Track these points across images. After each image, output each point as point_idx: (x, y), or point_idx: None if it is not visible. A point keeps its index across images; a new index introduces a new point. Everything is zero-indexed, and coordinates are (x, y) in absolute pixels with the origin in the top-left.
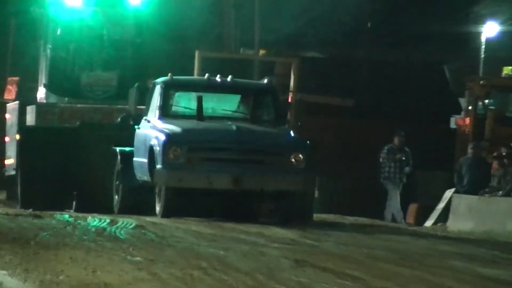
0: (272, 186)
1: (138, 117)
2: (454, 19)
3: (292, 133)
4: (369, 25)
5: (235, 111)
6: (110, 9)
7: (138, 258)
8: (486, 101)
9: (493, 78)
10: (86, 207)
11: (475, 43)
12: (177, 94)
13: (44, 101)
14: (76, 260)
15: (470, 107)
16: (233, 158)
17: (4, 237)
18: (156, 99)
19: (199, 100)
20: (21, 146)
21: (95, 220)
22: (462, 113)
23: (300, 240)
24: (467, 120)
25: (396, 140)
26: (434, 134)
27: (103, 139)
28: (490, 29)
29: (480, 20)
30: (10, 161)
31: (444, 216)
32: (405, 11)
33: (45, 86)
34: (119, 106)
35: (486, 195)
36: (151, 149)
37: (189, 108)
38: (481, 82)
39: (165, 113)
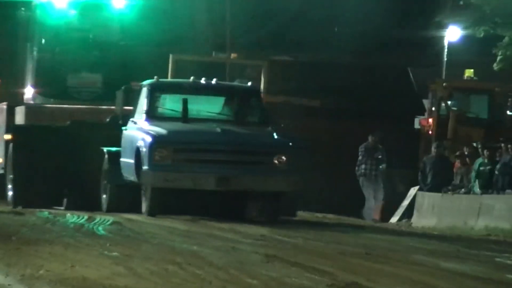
0: (256, 187)
1: (125, 118)
2: (418, 24)
3: (275, 135)
4: (336, 29)
5: (220, 113)
6: (96, 13)
7: (115, 253)
8: (449, 102)
9: (455, 80)
10: (76, 205)
11: (438, 48)
12: (163, 96)
13: (31, 102)
14: (55, 255)
15: (433, 108)
16: (218, 159)
17: None
18: (142, 101)
19: (185, 102)
20: (13, 145)
21: (73, 217)
22: (426, 114)
23: (270, 236)
24: (431, 121)
25: (370, 139)
26: (399, 134)
27: (93, 138)
28: (452, 34)
29: (443, 25)
30: None
31: (408, 212)
32: (372, 17)
33: (32, 86)
34: (105, 107)
35: (449, 192)
36: (137, 150)
37: (175, 110)
38: (444, 84)
39: (152, 115)
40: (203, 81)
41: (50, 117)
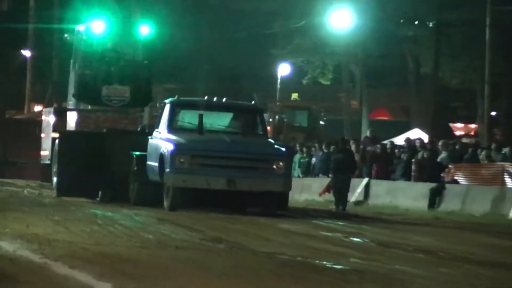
0: (258, 187)
1: (151, 128)
2: (260, 60)
3: (275, 144)
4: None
5: (229, 126)
6: (125, 37)
7: (56, 218)
8: (282, 115)
9: (285, 100)
10: (109, 197)
11: (274, 77)
12: (182, 111)
13: (72, 107)
14: (17, 218)
15: (270, 120)
16: (227, 164)
17: None
18: (165, 115)
19: (200, 117)
20: (60, 146)
21: (29, 193)
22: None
23: (163, 210)
24: (269, 128)
25: None
26: None
27: (124, 144)
28: (283, 68)
29: (278, 61)
30: (45, 153)
31: None
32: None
33: (73, 95)
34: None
35: None
36: (161, 156)
37: (192, 123)
38: (278, 103)
39: (173, 127)
40: (215, 99)
41: (96, 121)
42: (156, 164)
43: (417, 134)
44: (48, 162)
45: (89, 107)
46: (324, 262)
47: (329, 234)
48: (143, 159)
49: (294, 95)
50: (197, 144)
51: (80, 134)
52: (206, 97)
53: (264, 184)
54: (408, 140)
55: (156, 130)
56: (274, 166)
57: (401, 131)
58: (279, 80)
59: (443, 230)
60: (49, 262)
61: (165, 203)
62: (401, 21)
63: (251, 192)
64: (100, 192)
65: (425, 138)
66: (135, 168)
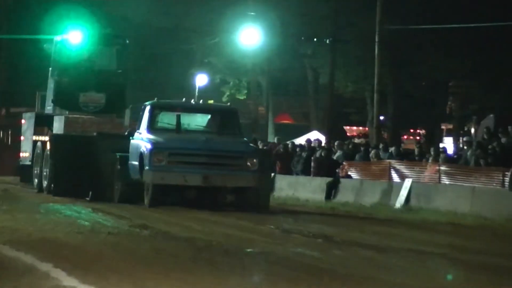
0: (232, 183)
1: (132, 130)
2: (182, 74)
3: (247, 143)
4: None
5: (205, 126)
6: (100, 47)
7: (4, 207)
8: None
9: None
10: (98, 197)
11: (192, 88)
12: (161, 113)
13: (50, 112)
14: None
15: None
16: (203, 162)
17: None
18: (145, 117)
19: (178, 118)
20: (53, 149)
21: None
22: None
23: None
24: None
25: None
26: None
27: (113, 146)
28: (201, 79)
29: (194, 75)
30: (25, 154)
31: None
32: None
33: (52, 101)
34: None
35: None
36: (141, 155)
37: (170, 124)
38: None
39: (152, 127)
40: (192, 101)
41: (83, 125)
42: (136, 163)
43: (315, 135)
44: (28, 163)
45: (67, 112)
46: (235, 247)
47: (239, 222)
48: (125, 159)
49: (210, 101)
50: (174, 143)
51: (72, 137)
52: (184, 99)
53: (237, 180)
54: (308, 140)
55: (137, 131)
56: (248, 163)
57: (302, 133)
58: (197, 89)
59: (338, 219)
60: None
61: (145, 200)
62: (302, 38)
63: (225, 189)
64: (90, 192)
65: (323, 139)
66: (118, 168)
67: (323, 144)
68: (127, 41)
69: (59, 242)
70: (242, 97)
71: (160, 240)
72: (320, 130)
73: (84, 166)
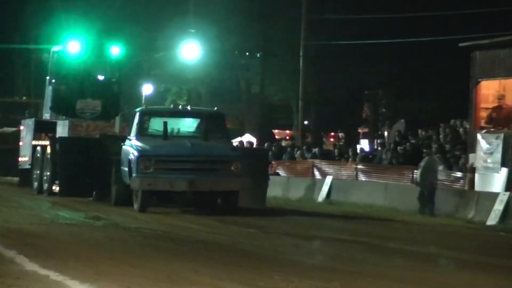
0: (218, 187)
1: (124, 136)
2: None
3: (233, 148)
4: None
5: (192, 131)
6: (97, 57)
7: None
8: None
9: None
10: (102, 197)
11: (139, 97)
12: (151, 119)
13: (48, 118)
14: None
15: None
16: (188, 167)
17: None
18: (135, 123)
19: (165, 124)
20: (60, 151)
21: None
22: None
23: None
24: None
25: None
26: None
27: (114, 148)
28: (147, 88)
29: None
30: (24, 159)
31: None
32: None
33: (50, 108)
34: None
35: None
36: (129, 161)
37: (158, 130)
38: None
39: (141, 133)
40: (180, 107)
41: (87, 129)
42: (126, 169)
43: (248, 138)
44: (28, 167)
45: (64, 118)
46: (179, 235)
47: (184, 215)
48: (119, 163)
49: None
50: (160, 149)
51: (77, 139)
52: (172, 105)
53: (223, 184)
54: (241, 142)
55: (128, 137)
56: (233, 167)
57: (235, 136)
58: (143, 98)
59: (269, 211)
60: None
61: (135, 205)
62: (236, 52)
63: (211, 193)
64: (94, 192)
65: (254, 141)
66: (114, 171)
67: (254, 146)
68: (123, 50)
69: (23, 231)
70: (183, 103)
71: (112, 229)
72: (252, 133)
73: (89, 167)
